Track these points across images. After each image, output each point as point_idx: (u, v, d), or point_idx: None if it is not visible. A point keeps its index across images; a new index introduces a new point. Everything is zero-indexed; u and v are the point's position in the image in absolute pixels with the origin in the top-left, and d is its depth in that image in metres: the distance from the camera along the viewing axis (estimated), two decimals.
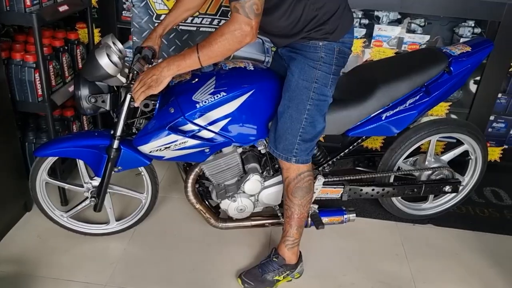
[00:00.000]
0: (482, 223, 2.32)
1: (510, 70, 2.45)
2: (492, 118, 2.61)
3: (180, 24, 2.13)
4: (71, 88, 2.12)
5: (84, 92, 1.69)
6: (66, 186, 2.05)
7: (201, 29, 2.38)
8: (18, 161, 2.07)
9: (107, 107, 1.73)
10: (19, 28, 2.20)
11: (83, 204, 2.01)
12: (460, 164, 2.25)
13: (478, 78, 2.50)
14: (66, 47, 2.15)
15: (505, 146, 2.72)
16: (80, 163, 1.91)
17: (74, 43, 2.22)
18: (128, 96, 1.65)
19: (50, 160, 1.90)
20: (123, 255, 2.00)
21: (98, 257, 1.98)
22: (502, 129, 2.67)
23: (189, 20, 2.33)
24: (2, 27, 2.12)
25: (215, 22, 2.36)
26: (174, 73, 1.53)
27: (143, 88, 1.55)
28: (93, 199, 1.91)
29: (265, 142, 1.83)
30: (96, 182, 1.91)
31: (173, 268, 1.95)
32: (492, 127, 2.66)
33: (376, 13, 2.44)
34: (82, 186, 1.96)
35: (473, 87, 2.61)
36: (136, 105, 1.62)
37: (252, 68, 1.78)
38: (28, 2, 1.81)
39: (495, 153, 2.71)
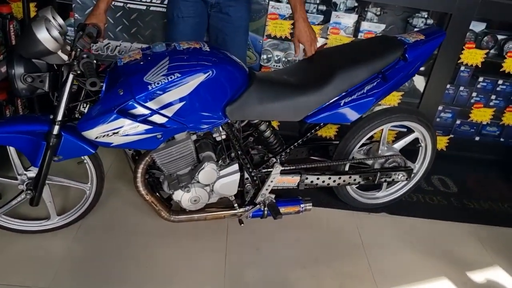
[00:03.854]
0: (432, 211, 2.39)
1: (458, 62, 2.54)
2: (440, 108, 2.70)
3: (128, 2, 1.98)
4: (3, 68, 1.90)
5: (19, 70, 1.50)
6: None
7: (151, 8, 2.24)
8: None
9: (46, 88, 1.55)
10: None
11: (18, 198, 1.81)
12: (409, 152, 2.28)
13: (422, 68, 2.56)
14: None
15: (451, 136, 2.82)
16: (12, 152, 1.72)
17: (7, 17, 2.00)
18: (71, 76, 1.48)
19: None
20: (67, 254, 1.83)
21: (38, 258, 1.80)
22: (449, 119, 2.77)
23: None
24: None
25: (166, 1, 2.22)
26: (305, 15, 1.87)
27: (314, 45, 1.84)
28: (29, 192, 1.72)
29: (221, 129, 1.74)
30: (32, 173, 1.73)
31: (124, 266, 1.82)
32: (440, 117, 2.75)
33: None
34: (16, 179, 1.76)
35: (419, 79, 2.67)
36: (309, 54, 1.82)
37: (208, 49, 1.67)
38: None
39: (442, 142, 2.81)
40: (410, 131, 2.23)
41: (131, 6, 2.20)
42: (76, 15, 2.19)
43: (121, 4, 2.19)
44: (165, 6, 2.24)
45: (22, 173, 1.75)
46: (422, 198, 2.48)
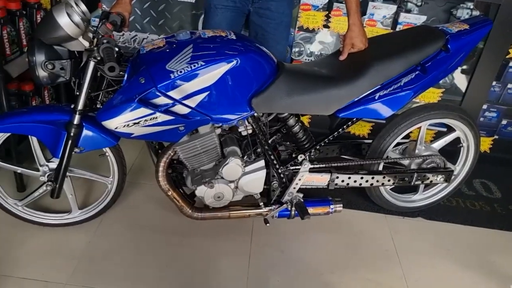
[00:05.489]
0: (473, 217, 2.22)
1: (506, 57, 2.35)
2: (484, 107, 2.52)
3: None
4: None
5: (40, 57, 1.47)
6: (19, 169, 1.81)
7: None
8: None
9: (67, 76, 1.51)
10: None
11: (40, 190, 1.78)
12: (449, 153, 2.12)
13: (464, 67, 2.40)
14: (24, 11, 1.92)
15: (496, 137, 2.63)
16: (34, 142, 1.69)
17: (34, 7, 1.99)
18: (91, 63, 1.43)
19: (0, 138, 1.67)
20: (87, 249, 1.79)
21: (58, 252, 1.77)
22: (494, 118, 2.58)
23: None
24: None
25: None
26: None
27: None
28: (50, 183, 1.69)
29: (246, 122, 1.65)
30: (54, 164, 1.70)
31: (143, 264, 1.76)
32: (484, 117, 2.57)
33: None
34: (38, 170, 1.73)
35: (461, 75, 2.50)
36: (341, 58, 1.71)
37: (234, 37, 1.59)
38: None
39: (485, 144, 2.63)
40: (450, 130, 2.07)
41: None
42: (104, 6, 2.17)
43: None
44: None
45: (44, 164, 1.73)
46: (462, 203, 2.31)
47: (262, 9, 1.99)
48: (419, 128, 1.99)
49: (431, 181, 2.01)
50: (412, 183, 1.99)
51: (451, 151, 2.14)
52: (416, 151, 2.03)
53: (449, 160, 2.06)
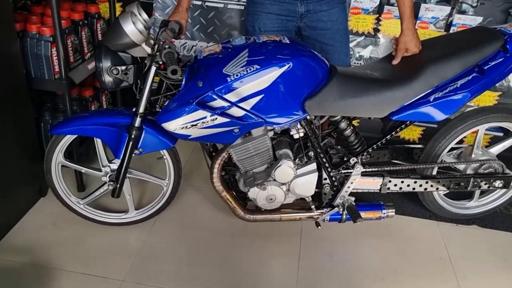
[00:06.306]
0: None
1: None
2: None
3: (207, 0, 1.99)
4: (90, 65, 1.99)
5: (106, 63, 1.55)
6: (83, 169, 1.90)
7: (229, 6, 2.24)
8: (33, 142, 1.95)
9: (130, 80, 1.59)
10: (36, 1, 2.07)
11: (101, 190, 1.87)
12: (507, 160, 2.02)
13: None
14: (85, 21, 2.02)
15: None
16: (98, 144, 1.78)
17: (95, 17, 2.09)
18: (153, 67, 1.50)
19: (67, 140, 1.77)
20: (142, 248, 1.85)
21: (116, 249, 1.84)
22: None
23: None
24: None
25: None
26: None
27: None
28: (111, 183, 1.77)
29: (299, 125, 1.66)
30: (115, 165, 1.78)
31: (196, 264, 1.80)
32: None
33: None
34: (100, 170, 1.82)
35: None
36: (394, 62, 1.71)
37: (288, 42, 1.61)
38: None
39: None
40: (509, 134, 1.99)
41: (209, 4, 2.22)
42: (157, 14, 2.26)
43: (199, 3, 2.21)
44: (243, 4, 2.23)
45: (106, 165, 1.80)
46: None
47: (313, 22, 1.89)
48: (475, 132, 1.93)
49: (488, 187, 1.94)
50: (468, 189, 1.92)
51: (508, 157, 2.05)
52: (473, 155, 1.96)
53: (508, 167, 1.98)
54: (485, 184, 1.92)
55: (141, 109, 1.60)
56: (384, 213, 1.86)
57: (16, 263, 1.73)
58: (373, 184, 1.85)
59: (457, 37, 1.87)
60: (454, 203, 2.11)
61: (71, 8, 2.00)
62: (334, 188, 1.82)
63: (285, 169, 1.68)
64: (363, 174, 1.81)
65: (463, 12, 2.27)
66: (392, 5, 2.22)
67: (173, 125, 1.53)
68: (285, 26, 1.90)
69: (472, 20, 2.24)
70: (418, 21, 2.26)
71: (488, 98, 2.32)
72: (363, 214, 1.82)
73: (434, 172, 1.98)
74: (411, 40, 1.69)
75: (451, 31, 2.27)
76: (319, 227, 1.82)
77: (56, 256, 1.77)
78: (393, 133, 1.82)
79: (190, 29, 2.28)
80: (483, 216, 2.13)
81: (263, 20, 1.88)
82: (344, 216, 1.82)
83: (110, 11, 2.20)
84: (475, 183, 1.91)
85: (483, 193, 2.11)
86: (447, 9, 2.23)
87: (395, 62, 1.73)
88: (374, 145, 1.83)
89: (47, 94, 2.12)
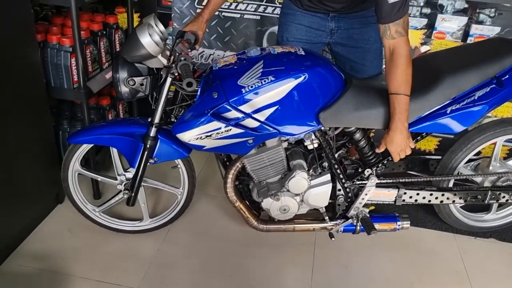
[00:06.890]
0: None
1: None
2: None
3: (223, 10, 2.01)
4: (108, 75, 2.03)
5: (123, 74, 1.57)
6: (99, 178, 1.94)
7: (245, 16, 2.26)
8: (51, 149, 1.98)
9: (146, 91, 1.61)
10: (57, 11, 2.12)
11: (116, 198, 1.90)
12: None
13: None
14: (104, 32, 2.06)
15: None
16: (114, 153, 1.81)
17: (113, 27, 2.13)
18: (169, 79, 1.52)
19: (84, 149, 1.80)
20: (156, 256, 1.87)
21: (131, 257, 1.86)
22: None
23: (232, 6, 2.21)
24: (41, 10, 2.05)
25: (261, 8, 2.22)
26: (407, 123, 1.59)
27: (402, 154, 1.65)
28: (126, 191, 1.80)
29: (313, 136, 1.66)
30: (131, 174, 1.80)
31: (209, 273, 1.81)
32: None
33: (440, 1, 2.24)
34: (116, 179, 1.85)
35: None
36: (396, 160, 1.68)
37: (303, 53, 1.62)
38: None
39: None
40: None
41: (226, 14, 2.25)
42: (175, 24, 2.29)
43: (217, 13, 2.24)
44: (259, 13, 2.24)
45: (122, 173, 1.83)
46: None
47: (343, 39, 1.84)
48: (493, 144, 1.90)
49: (507, 200, 1.90)
50: (486, 202, 1.89)
51: None
52: (491, 167, 1.93)
53: None
54: (503, 197, 1.89)
55: (157, 119, 1.62)
56: (399, 225, 1.84)
57: (33, 268, 1.76)
58: (387, 195, 1.83)
59: (475, 48, 1.84)
60: (471, 215, 2.08)
61: (90, 19, 2.04)
62: (348, 200, 1.81)
63: (299, 180, 1.68)
64: (378, 185, 1.79)
65: (480, 22, 2.24)
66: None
67: (188, 136, 1.54)
68: (312, 39, 1.86)
69: (489, 31, 2.21)
70: (434, 31, 2.24)
71: (507, 109, 2.28)
72: (377, 226, 1.80)
73: (451, 184, 1.95)
74: (396, 141, 1.60)
75: (468, 41, 2.24)
76: (333, 239, 1.81)
77: (71, 263, 1.80)
78: None
79: (208, 38, 2.31)
80: (501, 229, 2.09)
81: (292, 30, 1.87)
82: (358, 228, 1.81)
83: (128, 21, 2.24)
84: (493, 196, 1.88)
85: (501, 205, 2.07)
86: (464, 19, 2.21)
87: (378, 150, 1.71)
88: (389, 156, 1.82)
89: (65, 103, 2.17)
